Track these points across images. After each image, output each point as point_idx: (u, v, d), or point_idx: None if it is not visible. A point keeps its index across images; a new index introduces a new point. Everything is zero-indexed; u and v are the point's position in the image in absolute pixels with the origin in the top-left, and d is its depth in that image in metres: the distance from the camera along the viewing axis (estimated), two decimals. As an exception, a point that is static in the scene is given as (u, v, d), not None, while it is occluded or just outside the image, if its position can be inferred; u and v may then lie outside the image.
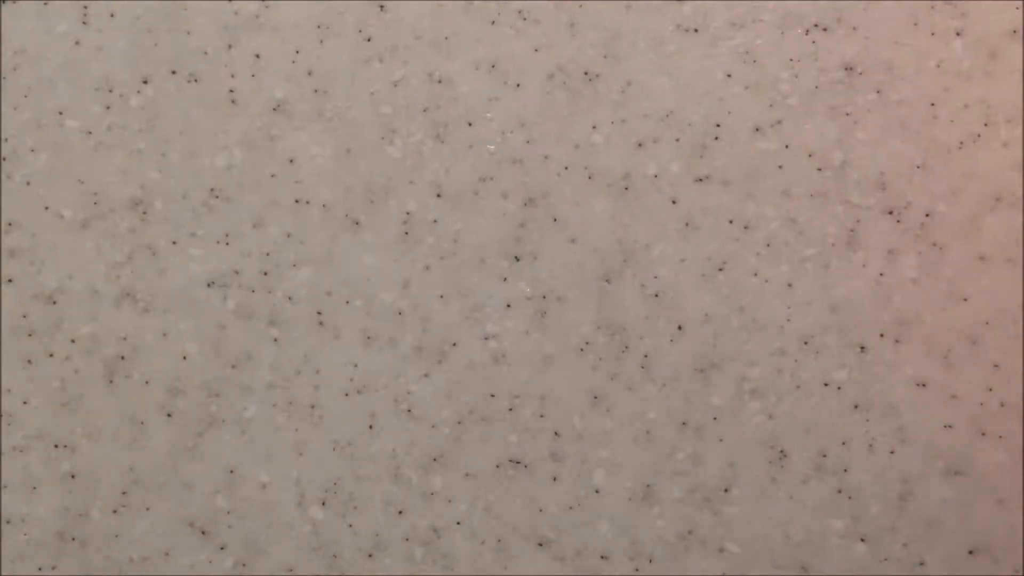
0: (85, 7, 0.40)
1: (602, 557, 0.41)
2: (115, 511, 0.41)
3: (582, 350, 0.41)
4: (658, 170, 0.40)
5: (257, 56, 0.40)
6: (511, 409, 0.41)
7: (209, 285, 0.41)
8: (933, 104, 0.40)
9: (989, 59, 0.40)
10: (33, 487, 0.41)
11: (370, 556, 0.41)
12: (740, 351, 0.41)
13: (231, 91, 0.40)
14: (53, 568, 0.41)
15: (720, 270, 0.40)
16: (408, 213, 0.41)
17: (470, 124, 0.40)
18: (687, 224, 0.40)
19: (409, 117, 0.40)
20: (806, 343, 0.40)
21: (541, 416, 0.41)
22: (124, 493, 0.41)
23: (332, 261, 0.41)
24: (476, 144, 0.40)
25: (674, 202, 0.40)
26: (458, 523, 0.41)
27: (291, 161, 0.40)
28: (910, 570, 0.41)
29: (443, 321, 0.41)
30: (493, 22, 0.40)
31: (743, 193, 0.40)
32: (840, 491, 0.41)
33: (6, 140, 0.40)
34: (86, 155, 0.40)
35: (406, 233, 0.41)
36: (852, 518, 0.41)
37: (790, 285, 0.40)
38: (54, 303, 0.40)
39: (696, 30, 0.40)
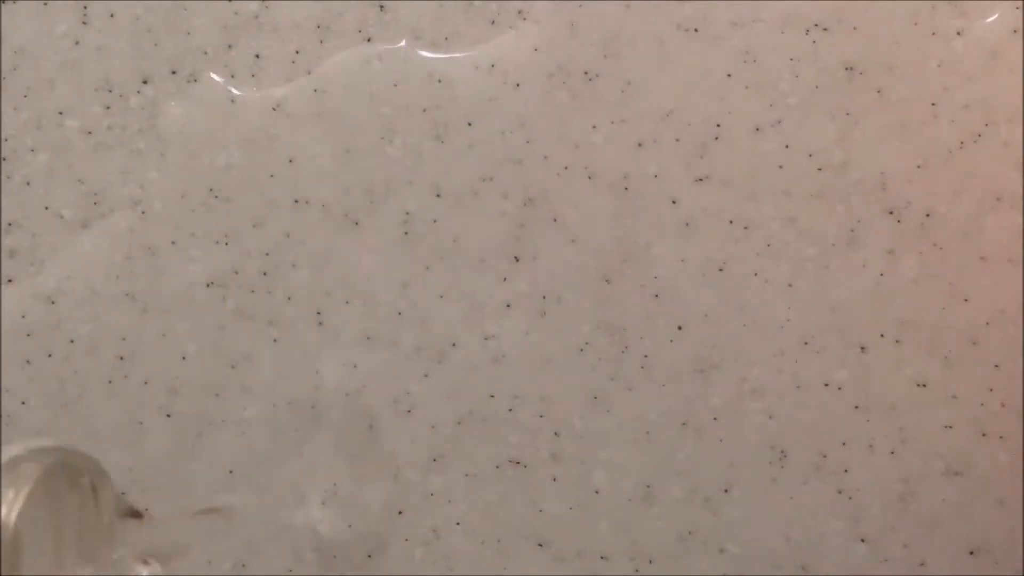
0: (85, 7, 0.40)
1: (602, 557, 0.41)
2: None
3: (582, 350, 0.41)
4: (658, 170, 0.40)
5: (257, 56, 0.40)
6: (511, 409, 0.41)
7: (209, 285, 0.41)
8: (933, 104, 0.40)
9: (989, 59, 0.40)
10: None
11: (370, 556, 0.41)
12: (740, 351, 0.41)
13: (231, 91, 0.40)
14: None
15: (720, 270, 0.40)
16: (408, 213, 0.41)
17: (470, 124, 0.40)
18: (687, 224, 0.40)
19: (409, 117, 0.40)
20: (806, 343, 0.40)
21: (541, 416, 0.41)
22: (123, 493, 0.41)
23: (332, 261, 0.41)
24: (476, 144, 0.40)
25: (674, 202, 0.40)
26: (458, 523, 0.41)
27: (291, 161, 0.40)
28: (910, 570, 0.41)
29: (443, 321, 0.41)
30: (493, 22, 0.40)
31: (743, 193, 0.40)
32: (840, 491, 0.41)
33: (6, 140, 0.40)
34: (86, 155, 0.40)
35: (406, 233, 0.41)
36: (852, 518, 0.41)
37: (790, 285, 0.40)
38: (53, 303, 0.40)
39: (696, 30, 0.40)
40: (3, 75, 0.40)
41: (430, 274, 0.41)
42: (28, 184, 0.40)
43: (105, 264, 0.41)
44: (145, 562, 0.31)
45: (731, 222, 0.40)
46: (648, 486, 0.41)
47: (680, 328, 0.41)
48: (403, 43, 0.40)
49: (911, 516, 0.41)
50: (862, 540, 0.41)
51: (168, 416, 0.41)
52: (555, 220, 0.40)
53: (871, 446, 0.41)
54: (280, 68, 0.40)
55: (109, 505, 0.27)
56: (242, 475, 0.41)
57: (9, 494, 0.23)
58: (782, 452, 0.41)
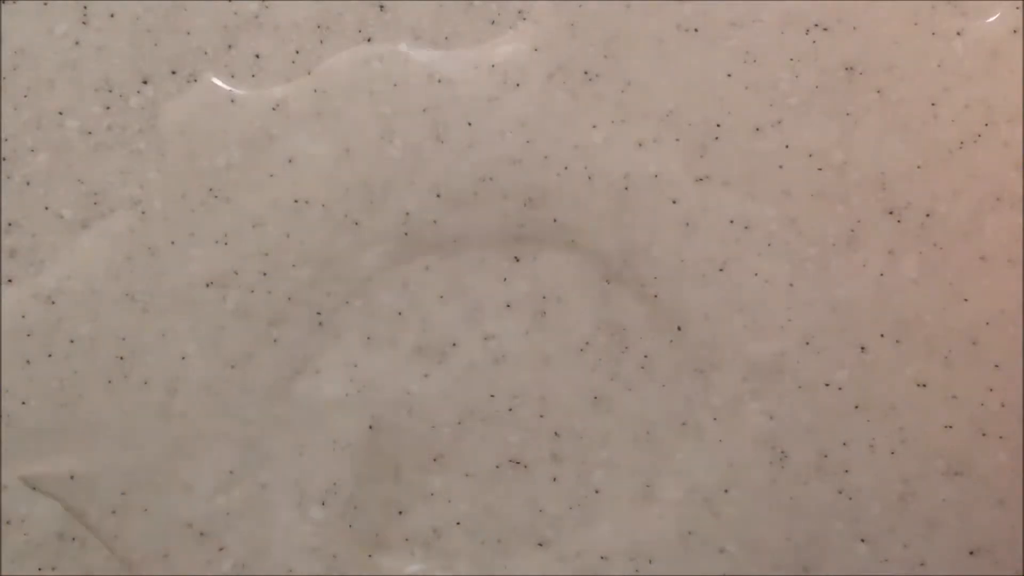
0: (85, 7, 0.40)
1: (602, 557, 0.41)
2: (114, 512, 0.41)
3: (582, 350, 0.41)
4: (658, 170, 0.40)
5: (257, 56, 0.40)
6: (511, 409, 0.41)
7: (208, 285, 0.41)
8: (933, 104, 0.40)
9: (990, 59, 0.40)
10: (33, 487, 0.41)
11: (370, 556, 0.41)
12: (740, 351, 0.41)
13: (231, 91, 0.40)
14: (53, 568, 0.41)
15: (720, 270, 0.40)
16: (408, 213, 0.41)
17: (470, 124, 0.40)
18: (687, 224, 0.40)
19: (409, 117, 0.40)
20: (806, 343, 0.40)
21: (541, 416, 0.41)
22: (123, 494, 0.41)
23: (332, 261, 0.41)
24: (476, 144, 0.40)
25: (674, 202, 0.40)
26: (458, 523, 0.41)
27: (290, 161, 0.40)
28: (910, 570, 0.41)
29: (443, 321, 0.41)
30: (493, 22, 0.40)
31: (743, 193, 0.40)
32: (840, 491, 0.41)
33: (6, 140, 0.40)
34: (86, 155, 0.40)
35: (406, 233, 0.41)
36: (852, 518, 0.41)
37: (790, 285, 0.40)
38: (54, 303, 0.40)
39: (696, 30, 0.40)
40: (3, 75, 0.40)
41: (430, 274, 0.41)
42: (28, 184, 0.40)
43: (105, 264, 0.41)
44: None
45: (731, 222, 0.40)
46: (648, 486, 0.41)
47: (680, 328, 0.41)
48: (403, 43, 0.40)
49: (911, 516, 0.41)
50: (862, 540, 0.41)
51: (168, 416, 0.41)
52: (555, 220, 0.40)
53: (871, 446, 0.41)
54: (280, 68, 0.40)
55: None
56: (242, 475, 0.41)
57: None
58: (782, 452, 0.41)
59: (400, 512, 0.41)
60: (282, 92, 0.40)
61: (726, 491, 0.41)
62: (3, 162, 0.40)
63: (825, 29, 0.40)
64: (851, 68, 0.40)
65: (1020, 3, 0.40)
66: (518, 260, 0.41)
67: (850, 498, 0.41)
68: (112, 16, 0.40)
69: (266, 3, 0.40)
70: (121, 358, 0.41)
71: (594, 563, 0.41)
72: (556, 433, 0.41)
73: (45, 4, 0.40)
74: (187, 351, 0.41)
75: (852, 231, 0.40)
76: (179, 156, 0.40)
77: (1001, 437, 0.40)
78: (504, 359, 0.41)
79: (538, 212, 0.41)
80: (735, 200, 0.40)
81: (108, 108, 0.40)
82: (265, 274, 0.41)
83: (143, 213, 0.40)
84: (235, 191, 0.40)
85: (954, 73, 0.40)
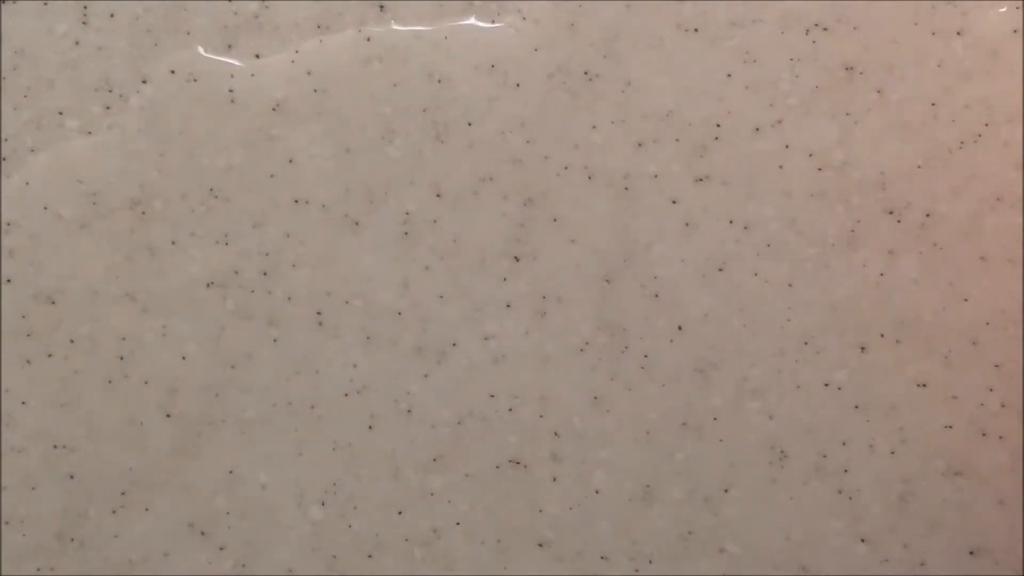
0: (85, 7, 0.40)
1: (602, 557, 0.41)
2: (114, 511, 0.41)
3: (582, 350, 0.41)
4: (658, 170, 0.40)
5: (257, 56, 0.40)
6: (511, 409, 0.41)
7: (209, 285, 0.41)
8: (933, 104, 0.40)
9: (990, 59, 0.40)
10: (32, 487, 0.41)
11: (370, 556, 0.41)
12: (740, 351, 0.41)
13: (231, 91, 0.40)
14: (52, 569, 0.41)
15: (720, 270, 0.40)
16: (408, 213, 0.41)
17: (470, 124, 0.40)
18: (687, 224, 0.40)
19: (409, 117, 0.40)
20: (806, 343, 0.40)
21: (541, 416, 0.41)
22: (123, 493, 0.41)
23: (332, 261, 0.41)
24: (476, 144, 0.40)
25: (674, 202, 0.40)
26: (458, 523, 0.41)
27: (290, 161, 0.40)
28: (910, 570, 0.41)
29: (443, 321, 0.41)
30: (493, 22, 0.40)
31: (743, 193, 0.40)
32: (840, 491, 0.41)
33: (6, 140, 0.40)
34: (86, 155, 0.40)
35: (406, 233, 0.41)
36: (852, 518, 0.41)
37: (790, 285, 0.40)
38: (53, 303, 0.40)
39: (696, 30, 0.40)
40: (3, 75, 0.40)
41: (430, 274, 0.41)
42: (28, 184, 0.40)
43: (105, 264, 0.41)
44: None
45: (731, 222, 0.40)
46: (648, 486, 0.41)
47: (680, 328, 0.41)
48: (403, 43, 0.40)
49: (911, 516, 0.41)
50: (862, 540, 0.41)
51: (168, 416, 0.41)
52: (555, 220, 0.40)
53: (871, 446, 0.41)
54: (280, 68, 0.40)
55: None
56: (242, 475, 0.41)
57: None
58: (782, 452, 0.41)
59: (400, 512, 0.41)
60: (282, 92, 0.40)
61: (726, 491, 0.41)
62: (3, 162, 0.40)
63: (825, 29, 0.40)
64: (851, 68, 0.40)
65: (1020, 3, 0.40)
66: (518, 260, 0.41)
67: (850, 498, 0.41)
68: (112, 16, 0.40)
69: (266, 3, 0.40)
70: (121, 358, 0.41)
71: (594, 563, 0.41)
72: (556, 433, 0.41)
73: (45, 4, 0.40)
74: (187, 351, 0.41)
75: (852, 231, 0.40)
76: (179, 156, 0.40)
77: (1001, 437, 0.40)
78: (504, 359, 0.41)
79: (538, 212, 0.41)
80: (735, 200, 0.40)
81: (108, 108, 0.40)
82: (265, 274, 0.41)
83: (143, 213, 0.40)
84: (235, 191, 0.40)
85: (954, 73, 0.40)
